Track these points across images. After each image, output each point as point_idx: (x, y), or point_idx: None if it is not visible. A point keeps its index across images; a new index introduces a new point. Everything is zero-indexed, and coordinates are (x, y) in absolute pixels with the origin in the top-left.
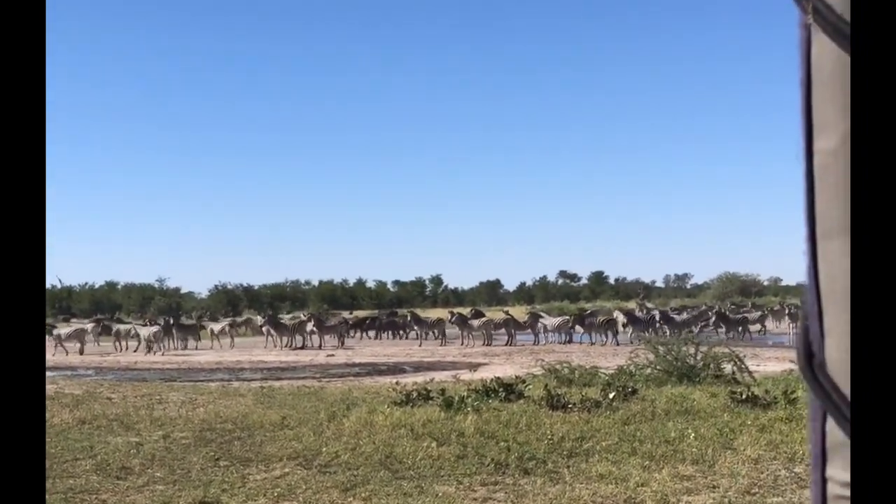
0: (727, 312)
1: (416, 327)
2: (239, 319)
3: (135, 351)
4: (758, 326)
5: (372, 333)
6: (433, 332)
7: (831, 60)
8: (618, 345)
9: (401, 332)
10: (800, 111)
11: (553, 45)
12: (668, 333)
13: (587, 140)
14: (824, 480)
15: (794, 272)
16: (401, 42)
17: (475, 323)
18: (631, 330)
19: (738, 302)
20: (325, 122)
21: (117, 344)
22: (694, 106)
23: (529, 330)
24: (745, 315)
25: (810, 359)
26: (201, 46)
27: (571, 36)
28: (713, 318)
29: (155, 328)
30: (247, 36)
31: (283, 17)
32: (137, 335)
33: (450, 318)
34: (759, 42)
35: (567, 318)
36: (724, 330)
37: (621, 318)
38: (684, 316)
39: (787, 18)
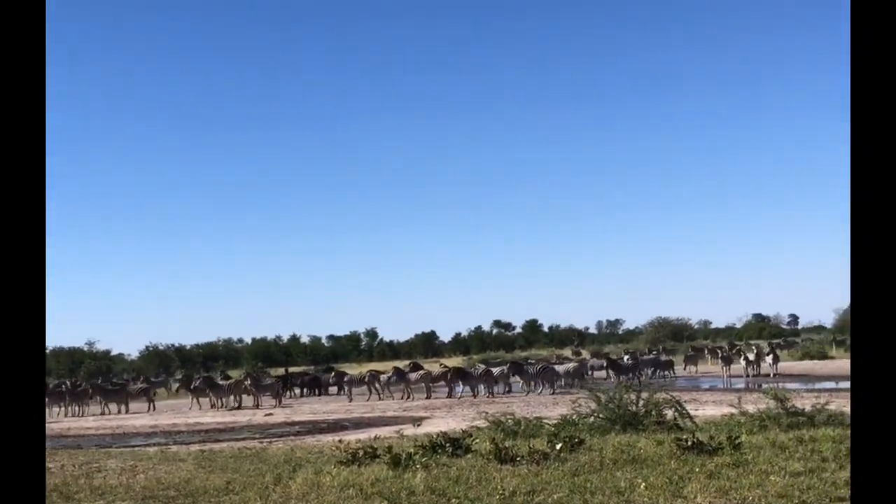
0: (618, 360)
1: (345, 383)
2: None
3: None
4: (672, 370)
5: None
6: (346, 389)
7: None
8: (493, 396)
9: (323, 388)
10: None
11: (487, 97)
12: (553, 384)
13: (517, 189)
14: None
15: (723, 315)
16: (330, 96)
17: (413, 376)
18: (521, 381)
19: (657, 348)
20: (253, 177)
21: None
22: (621, 155)
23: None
24: (638, 361)
25: None
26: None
27: (496, 88)
28: (603, 366)
29: None
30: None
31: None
32: None
33: (384, 374)
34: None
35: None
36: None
37: (500, 371)
38: (568, 366)
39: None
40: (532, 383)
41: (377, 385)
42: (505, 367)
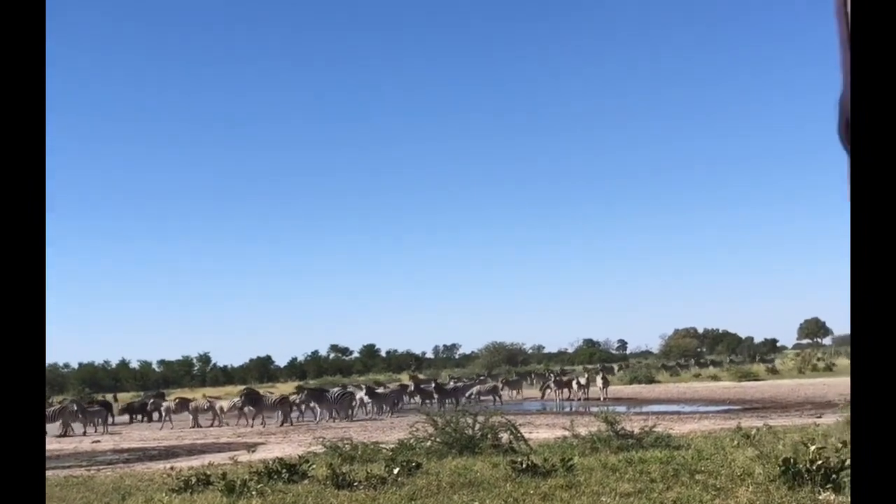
0: (442, 385)
1: (162, 410)
2: None
3: None
4: (492, 396)
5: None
6: (164, 415)
7: None
8: (291, 424)
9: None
10: None
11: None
12: (350, 411)
13: (355, 212)
14: None
15: (555, 340)
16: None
17: (224, 404)
18: (318, 407)
19: (484, 373)
20: (83, 194)
21: None
22: (459, 182)
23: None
24: (459, 385)
25: None
26: None
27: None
28: (416, 391)
29: None
30: None
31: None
32: None
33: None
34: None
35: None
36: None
37: (300, 398)
38: (385, 391)
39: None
40: (333, 410)
41: (188, 412)
42: (303, 394)
